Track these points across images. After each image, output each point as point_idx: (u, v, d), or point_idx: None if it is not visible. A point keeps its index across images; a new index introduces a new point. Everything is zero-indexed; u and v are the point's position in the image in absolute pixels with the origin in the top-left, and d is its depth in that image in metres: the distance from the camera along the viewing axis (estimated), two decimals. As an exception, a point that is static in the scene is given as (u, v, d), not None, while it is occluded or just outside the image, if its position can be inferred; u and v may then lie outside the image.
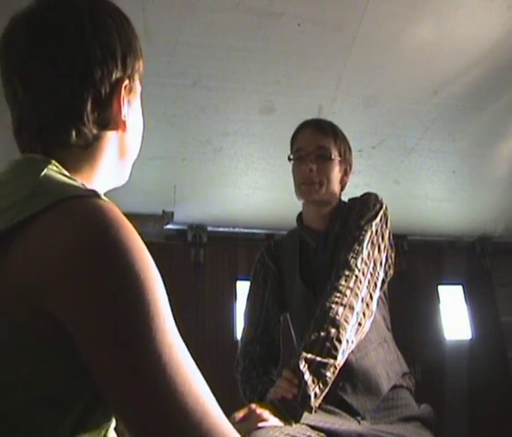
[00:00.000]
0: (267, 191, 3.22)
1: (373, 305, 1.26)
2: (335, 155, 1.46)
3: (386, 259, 1.36)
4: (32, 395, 0.54)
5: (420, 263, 3.98)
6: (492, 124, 2.77)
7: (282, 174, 2.93)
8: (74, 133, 0.67)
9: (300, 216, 1.55)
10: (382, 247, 1.34)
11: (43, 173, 0.60)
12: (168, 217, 3.47)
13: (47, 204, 0.56)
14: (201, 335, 3.38)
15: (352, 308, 1.20)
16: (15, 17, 0.69)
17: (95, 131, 0.69)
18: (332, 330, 1.15)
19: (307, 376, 1.09)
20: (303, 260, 1.46)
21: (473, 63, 2.32)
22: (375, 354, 1.30)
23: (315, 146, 1.46)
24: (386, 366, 1.31)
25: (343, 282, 1.23)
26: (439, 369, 3.55)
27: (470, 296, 3.96)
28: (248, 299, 1.55)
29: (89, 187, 0.64)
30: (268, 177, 3.07)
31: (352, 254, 1.28)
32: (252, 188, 3.23)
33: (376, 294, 1.28)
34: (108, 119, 0.71)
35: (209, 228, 3.67)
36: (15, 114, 0.69)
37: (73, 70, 0.66)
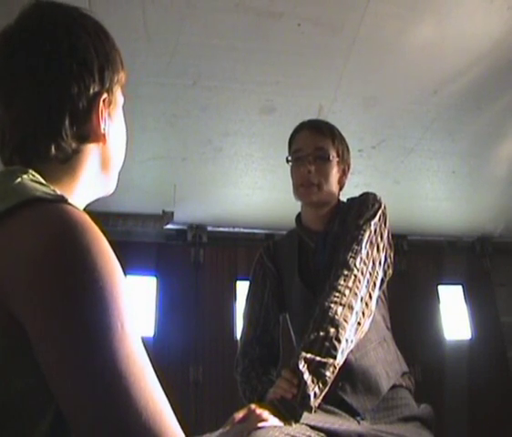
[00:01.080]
0: (267, 191, 3.23)
1: (373, 304, 1.26)
2: (333, 156, 1.46)
3: (385, 259, 1.36)
4: (5, 395, 0.53)
5: (420, 263, 3.98)
6: (492, 124, 2.77)
7: (282, 174, 2.92)
8: (53, 147, 0.68)
9: (298, 216, 1.55)
10: (381, 246, 1.34)
11: (17, 181, 0.61)
12: (168, 217, 3.47)
13: (12, 204, 0.57)
14: (201, 335, 3.38)
15: (351, 307, 1.20)
16: None
17: (74, 145, 0.70)
18: (332, 330, 1.15)
19: (306, 376, 1.09)
20: (302, 261, 1.46)
21: (473, 63, 2.33)
22: (375, 354, 1.30)
23: (313, 147, 1.46)
24: (386, 365, 1.30)
25: (341, 282, 1.23)
26: (439, 369, 3.55)
27: (470, 296, 3.96)
28: (247, 300, 1.55)
29: (70, 197, 0.64)
30: (268, 177, 3.07)
31: (350, 254, 1.28)
32: (252, 188, 3.23)
33: (376, 293, 1.28)
34: (88, 133, 0.72)
35: (209, 228, 3.67)
36: None
37: (49, 86, 0.68)
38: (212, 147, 2.82)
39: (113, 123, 0.77)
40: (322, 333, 1.15)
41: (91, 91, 0.70)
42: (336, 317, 1.17)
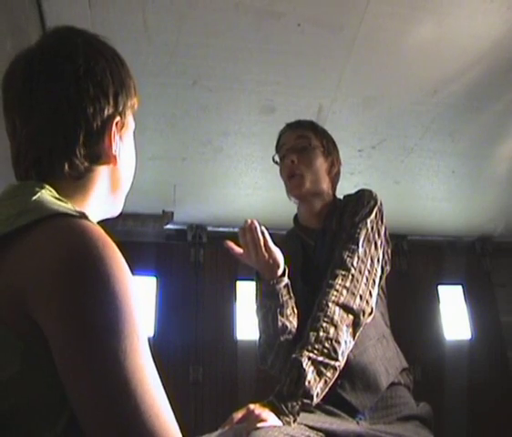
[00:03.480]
0: (267, 191, 3.22)
1: (373, 302, 1.25)
2: (316, 144, 1.46)
3: (383, 255, 1.35)
4: (22, 397, 0.55)
5: (420, 263, 3.98)
6: (491, 124, 2.77)
7: (282, 174, 2.92)
8: (67, 165, 0.71)
9: (296, 217, 1.55)
10: (378, 243, 1.33)
11: (36, 195, 0.64)
12: (168, 217, 3.47)
13: (36, 217, 0.59)
14: (201, 335, 3.38)
15: (348, 308, 1.20)
16: (17, 57, 0.74)
17: (86, 164, 0.73)
18: (331, 331, 1.15)
19: (310, 376, 1.09)
20: (304, 259, 1.45)
21: (472, 63, 2.33)
22: (374, 350, 1.30)
23: (294, 138, 1.47)
24: (385, 362, 1.30)
25: (339, 281, 1.23)
26: (439, 369, 3.55)
27: (470, 296, 3.96)
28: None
29: None
30: (268, 177, 3.07)
31: (347, 253, 1.28)
32: (252, 188, 3.23)
33: (375, 291, 1.27)
34: (100, 153, 0.75)
35: (209, 228, 3.67)
36: (15, 146, 0.73)
37: (66, 106, 0.70)
38: (212, 147, 2.82)
39: (124, 146, 0.80)
40: (321, 333, 1.15)
41: (105, 113, 0.74)
42: (335, 317, 1.17)
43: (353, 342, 1.19)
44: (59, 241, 0.58)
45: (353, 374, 1.25)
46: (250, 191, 3.26)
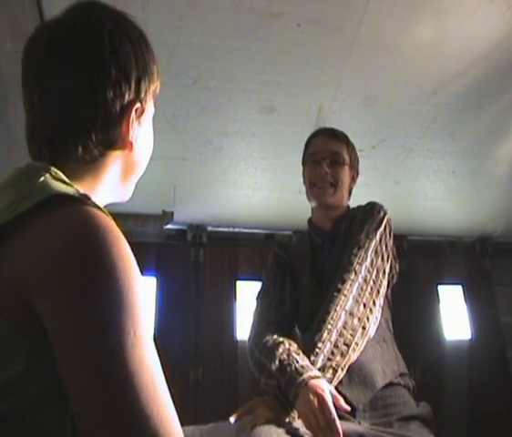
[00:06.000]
0: (267, 191, 3.22)
1: (377, 311, 1.29)
2: (347, 161, 1.52)
3: (390, 269, 1.40)
4: (29, 395, 0.54)
5: (420, 263, 3.98)
6: (492, 124, 2.77)
7: (282, 174, 2.92)
8: (80, 148, 0.69)
9: (310, 219, 1.61)
10: (385, 256, 1.38)
11: (41, 179, 0.62)
12: (168, 217, 3.47)
13: (36, 200, 0.58)
14: (201, 335, 3.38)
15: (353, 314, 1.24)
16: (41, 26, 0.72)
17: (101, 148, 0.71)
18: (334, 334, 1.20)
19: None
20: (312, 258, 1.49)
21: (473, 63, 2.33)
22: (372, 351, 1.32)
23: (329, 151, 1.51)
24: (383, 363, 1.33)
25: (347, 286, 1.27)
26: (439, 369, 3.55)
27: (470, 296, 3.95)
28: (259, 295, 1.52)
29: (91, 197, 0.65)
30: (268, 177, 3.06)
31: (357, 260, 1.32)
32: (252, 188, 3.23)
33: (379, 300, 1.32)
34: (116, 139, 0.73)
35: (209, 228, 3.67)
36: (30, 119, 0.71)
37: (86, 87, 0.69)
38: (212, 147, 2.82)
39: (142, 132, 0.78)
40: (325, 335, 1.19)
41: (126, 99, 0.72)
42: (339, 323, 1.21)
43: (360, 346, 1.23)
44: (59, 229, 0.57)
45: (351, 370, 1.27)
46: (250, 191, 3.25)
